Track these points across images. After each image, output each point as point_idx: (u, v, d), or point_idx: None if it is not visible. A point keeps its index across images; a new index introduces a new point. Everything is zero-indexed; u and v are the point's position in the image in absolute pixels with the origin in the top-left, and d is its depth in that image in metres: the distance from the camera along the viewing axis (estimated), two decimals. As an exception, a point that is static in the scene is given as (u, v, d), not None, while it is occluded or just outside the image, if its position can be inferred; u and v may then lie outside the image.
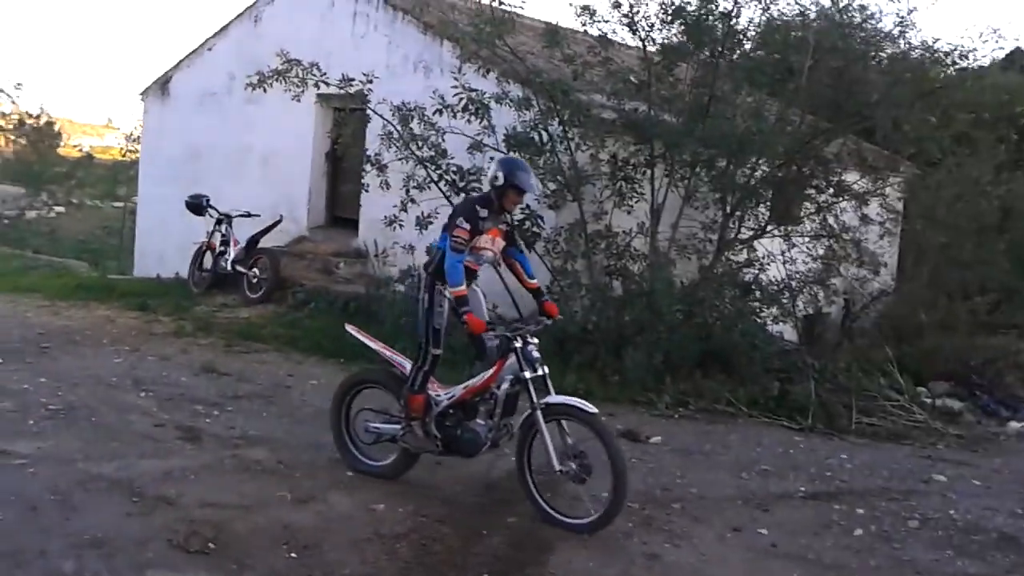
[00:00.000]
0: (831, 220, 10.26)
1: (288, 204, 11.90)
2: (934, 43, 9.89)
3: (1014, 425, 8.14)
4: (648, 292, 7.98)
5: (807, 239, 10.36)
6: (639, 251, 9.01)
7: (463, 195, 8.82)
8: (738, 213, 9.57)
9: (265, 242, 10.86)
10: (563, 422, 4.82)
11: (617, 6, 9.36)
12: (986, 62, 10.80)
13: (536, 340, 4.92)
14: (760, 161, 9.46)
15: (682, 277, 8.99)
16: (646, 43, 9.37)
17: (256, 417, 6.33)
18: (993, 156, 13.75)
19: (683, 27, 9.30)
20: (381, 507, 4.85)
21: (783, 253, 9.89)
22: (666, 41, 9.49)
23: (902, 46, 10.40)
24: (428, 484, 5.31)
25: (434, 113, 8.75)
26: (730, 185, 9.17)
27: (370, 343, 5.52)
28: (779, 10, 10.27)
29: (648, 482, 5.65)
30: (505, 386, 4.93)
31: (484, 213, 5.00)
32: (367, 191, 9.78)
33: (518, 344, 4.87)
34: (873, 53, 10.02)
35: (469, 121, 8.64)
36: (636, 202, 9.22)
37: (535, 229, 8.84)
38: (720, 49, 9.38)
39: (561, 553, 4.49)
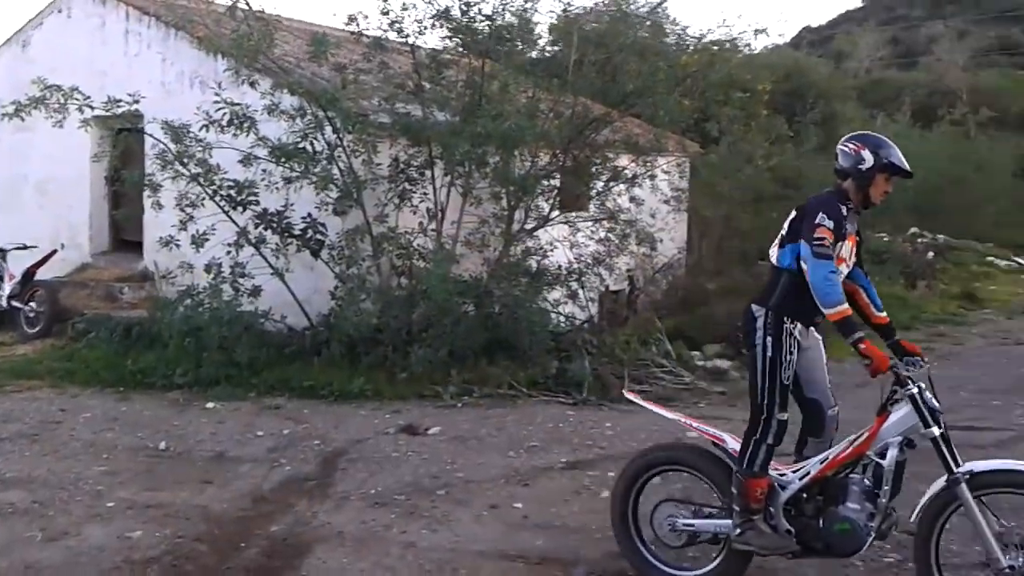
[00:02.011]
0: (609, 204, 10.86)
1: (69, 231, 11.46)
2: (684, 30, 10.73)
3: (773, 377, 8.89)
4: (425, 289, 8.20)
5: (590, 224, 10.92)
6: (427, 250, 9.26)
7: (241, 209, 8.84)
8: (522, 205, 9.99)
9: (44, 273, 10.41)
10: (983, 499, 3.58)
11: (385, 13, 9.56)
12: (757, 46, 11.76)
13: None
14: (539, 153, 9.93)
15: (473, 271, 9.33)
16: (414, 48, 9.61)
17: (17, 458, 6.10)
18: (767, 131, 14.96)
19: (450, 30, 9.65)
20: (137, 534, 4.82)
21: (565, 239, 10.39)
22: (437, 46, 9.82)
23: (658, 37, 11.23)
24: (193, 504, 5.31)
25: (200, 129, 8.67)
26: (506, 180, 9.54)
27: (663, 412, 4.44)
28: (535, 8, 10.72)
29: (419, 472, 5.88)
30: (894, 452, 3.68)
31: (845, 211, 3.86)
32: (144, 213, 9.59)
33: (914, 390, 3.63)
34: (631, 43, 10.58)
35: (236, 135, 8.59)
36: (421, 202, 9.45)
37: (319, 236, 8.95)
38: (487, 50, 9.74)
39: (317, 554, 4.62)
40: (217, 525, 5.01)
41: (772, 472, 3.94)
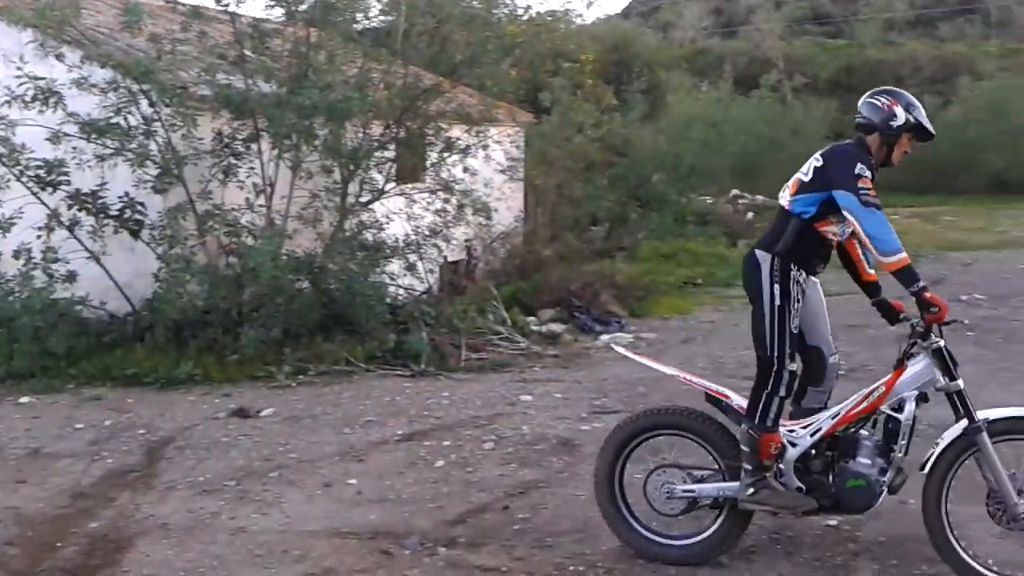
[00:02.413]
0: (444, 174, 10.90)
1: None
2: (514, 1, 10.86)
3: (604, 338, 9.29)
4: (253, 267, 8.01)
5: (426, 195, 10.94)
6: (257, 226, 9.01)
7: (52, 189, 8.33)
8: (356, 177, 9.87)
9: None
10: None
11: (202, -21, 9.18)
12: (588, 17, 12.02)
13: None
14: (371, 124, 9.83)
15: (308, 247, 9.17)
16: (235, 17, 9.27)
17: None
18: (596, 100, 15.41)
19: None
20: (-63, 545, 4.54)
21: (401, 211, 10.38)
22: (260, 15, 9.52)
23: (490, 7, 11.29)
24: (4, 507, 5.02)
25: (2, 105, 8.09)
26: (337, 152, 9.40)
27: (660, 367, 4.32)
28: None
29: (250, 456, 5.80)
30: (911, 406, 3.70)
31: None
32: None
33: (941, 343, 3.66)
34: (458, 12, 10.57)
35: (42, 111, 8.06)
36: (248, 177, 9.17)
37: (137, 216, 8.56)
38: (313, 18, 9.50)
39: (139, 548, 4.49)
40: (31, 526, 4.77)
41: (780, 428, 3.85)
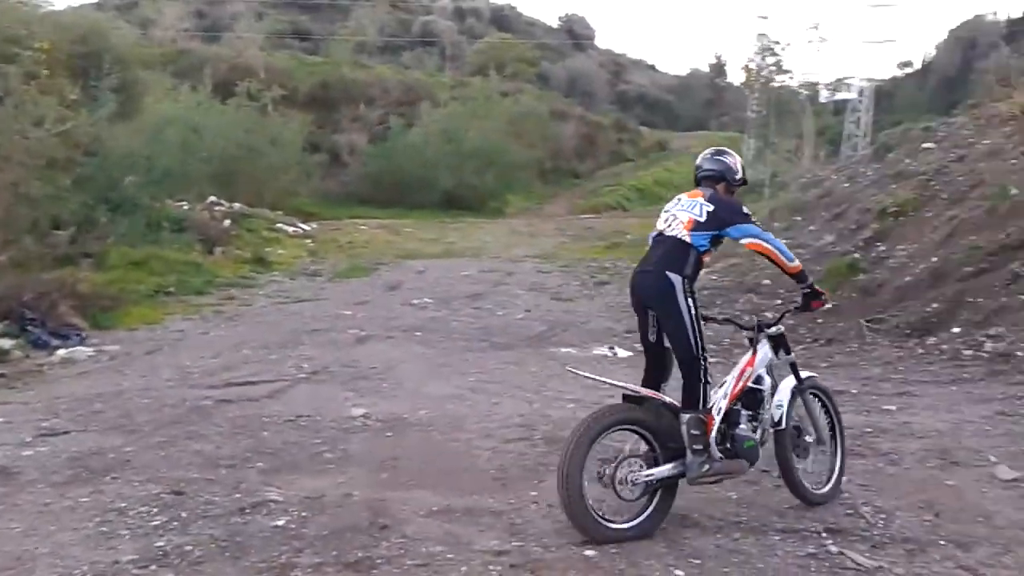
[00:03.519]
0: None
1: None
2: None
3: (61, 353, 8.79)
4: None
5: None
6: None
7: None
8: None
9: None
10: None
11: None
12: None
13: None
14: None
15: None
16: None
17: None
18: (59, 93, 14.21)
19: None
20: None
21: None
22: None
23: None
24: None
25: None
26: None
27: (615, 383, 4.76)
28: None
29: None
30: (769, 379, 4.85)
31: None
32: None
33: (782, 329, 4.95)
34: None
35: None
36: None
37: None
38: None
39: None
40: None
41: None
